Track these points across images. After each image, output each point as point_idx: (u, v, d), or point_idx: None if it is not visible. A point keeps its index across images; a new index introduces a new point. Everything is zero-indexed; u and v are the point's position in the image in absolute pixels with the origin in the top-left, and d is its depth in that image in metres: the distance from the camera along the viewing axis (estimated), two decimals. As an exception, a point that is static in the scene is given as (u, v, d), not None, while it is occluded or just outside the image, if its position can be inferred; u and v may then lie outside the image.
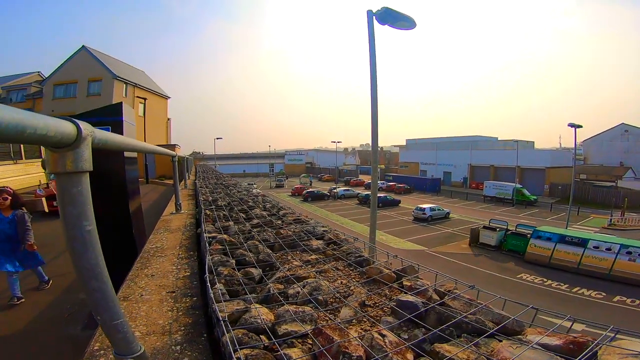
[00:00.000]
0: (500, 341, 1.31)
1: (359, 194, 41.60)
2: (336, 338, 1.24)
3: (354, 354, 1.17)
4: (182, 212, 5.80)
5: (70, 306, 4.83)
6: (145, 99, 34.17)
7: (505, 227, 21.14)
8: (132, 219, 5.12)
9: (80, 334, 4.12)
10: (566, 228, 21.44)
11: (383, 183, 50.65)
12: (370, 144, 7.52)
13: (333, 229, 3.10)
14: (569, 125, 23.70)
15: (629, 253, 15.34)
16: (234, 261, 2.24)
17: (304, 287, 1.77)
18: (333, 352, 1.19)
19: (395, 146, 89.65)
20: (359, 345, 1.23)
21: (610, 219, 28.85)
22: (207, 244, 2.57)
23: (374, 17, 6.82)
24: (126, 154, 5.17)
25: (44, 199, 11.03)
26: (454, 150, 56.29)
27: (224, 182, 10.13)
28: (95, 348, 1.58)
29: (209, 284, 1.76)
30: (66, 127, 0.88)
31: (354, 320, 1.52)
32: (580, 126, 23.66)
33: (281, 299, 1.68)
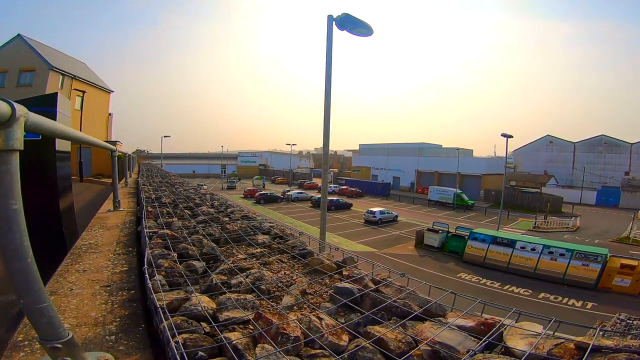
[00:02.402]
0: (424, 322, 1.46)
1: (312, 197, 41.92)
2: (275, 321, 1.30)
3: (291, 335, 1.23)
4: (121, 209, 5.44)
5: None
6: (84, 92, 31.66)
7: (447, 229, 22.65)
8: (63, 218, 4.71)
9: (3, 335, 3.70)
10: (498, 230, 23.53)
11: (336, 186, 51.61)
12: (323, 148, 7.67)
13: (280, 224, 3.14)
14: (501, 135, 26.11)
15: (551, 253, 17.16)
16: (175, 254, 2.19)
17: (247, 277, 1.80)
18: (272, 334, 1.24)
19: (348, 150, 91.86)
20: (296, 327, 1.30)
21: (535, 222, 32.22)
22: (147, 239, 2.48)
23: (334, 22, 6.94)
24: (58, 147, 4.77)
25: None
26: (403, 156, 59.13)
27: (169, 181, 9.66)
28: (18, 339, 1.49)
29: (147, 275, 1.72)
30: (1, 106, 0.90)
31: (294, 307, 1.58)
32: (511, 136, 26.14)
33: (224, 288, 1.69)
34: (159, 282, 1.67)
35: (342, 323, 1.44)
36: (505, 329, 1.36)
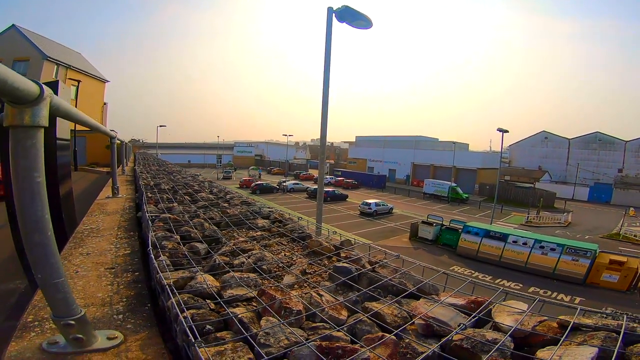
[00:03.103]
0: (418, 300, 1.54)
1: (308, 187, 41.99)
2: (278, 297, 1.37)
3: (294, 308, 1.31)
4: (120, 196, 5.47)
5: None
6: (79, 81, 31.56)
7: (441, 222, 22.85)
8: (62, 205, 4.73)
9: (2, 324, 3.75)
10: (491, 224, 23.82)
11: (332, 178, 51.68)
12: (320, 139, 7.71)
13: (279, 210, 3.21)
14: (497, 130, 26.23)
15: (542, 247, 17.39)
16: (178, 237, 2.25)
17: (249, 257, 1.86)
18: (275, 308, 1.31)
19: (345, 142, 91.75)
20: (298, 302, 1.37)
21: (528, 217, 32.62)
22: (149, 222, 2.53)
23: (333, 14, 6.94)
24: (59, 135, 4.76)
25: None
26: (400, 149, 59.24)
27: (166, 169, 9.67)
28: (28, 320, 1.53)
29: (152, 255, 1.77)
30: (32, 86, 0.96)
31: (295, 285, 1.66)
32: (506, 131, 26.27)
33: (227, 268, 1.75)
34: (164, 262, 1.73)
35: (342, 300, 1.51)
36: (493, 306, 1.45)
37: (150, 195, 4.02)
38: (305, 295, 1.46)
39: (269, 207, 3.24)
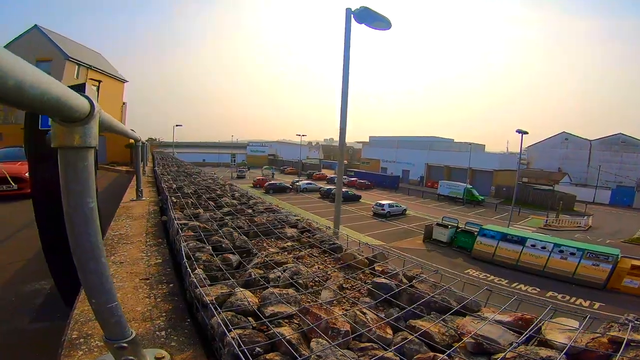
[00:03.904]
0: (464, 317, 1.50)
1: (321, 187, 42.00)
2: (323, 316, 1.35)
3: (342, 329, 1.29)
4: (144, 199, 5.57)
5: (14, 298, 4.47)
6: (99, 81, 32.33)
7: (456, 224, 22.51)
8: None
9: (27, 327, 3.85)
10: (508, 227, 23.33)
11: (345, 178, 51.57)
12: (338, 139, 7.68)
13: (306, 218, 3.20)
14: (516, 132, 25.64)
15: (561, 252, 17.00)
16: (210, 247, 2.26)
17: (284, 271, 1.85)
18: (322, 328, 1.29)
19: (358, 142, 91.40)
20: (345, 321, 1.35)
21: (546, 220, 31.81)
22: (179, 230, 2.55)
23: (352, 15, 6.88)
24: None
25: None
26: (413, 150, 58.63)
27: (186, 170, 9.80)
28: (73, 336, 1.52)
29: (189, 269, 1.78)
30: (83, 102, 0.88)
31: (334, 301, 1.64)
32: (526, 132, 25.64)
33: (264, 282, 1.75)
34: (200, 275, 1.73)
35: (384, 317, 1.49)
36: (542, 324, 1.41)
37: (174, 200, 4.07)
38: (349, 313, 1.44)
39: (295, 215, 3.24)
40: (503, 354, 1.18)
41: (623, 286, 15.11)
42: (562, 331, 1.37)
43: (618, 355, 1.12)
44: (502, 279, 16.90)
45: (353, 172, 59.89)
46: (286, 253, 2.29)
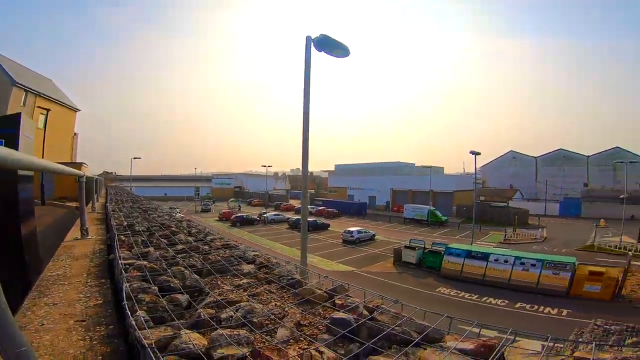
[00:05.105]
0: (425, 349, 1.42)
1: (289, 218, 41.51)
2: (275, 358, 1.22)
3: (292, 374, 1.15)
4: (89, 237, 5.12)
5: None
6: (48, 110, 30.10)
7: (423, 245, 22.96)
8: (24, 246, 4.34)
9: None
10: (471, 244, 24.14)
11: (313, 207, 51.48)
12: (301, 169, 7.63)
13: (264, 253, 3.04)
14: (470, 153, 27.21)
15: (522, 264, 17.80)
16: (156, 288, 2.05)
17: (237, 310, 1.70)
18: (271, 375, 1.15)
19: (324, 171, 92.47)
20: (296, 365, 1.22)
21: (505, 235, 33.38)
22: (122, 271, 2.31)
23: (312, 43, 6.98)
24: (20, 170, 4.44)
25: None
26: (378, 176, 60.21)
27: (141, 206, 9.25)
28: None
29: (128, 311, 1.59)
30: None
31: (291, 340, 1.50)
32: (478, 153, 27.27)
33: (213, 323, 1.59)
34: (141, 317, 1.55)
35: (343, 355, 1.38)
36: (504, 349, 1.36)
37: (123, 238, 3.76)
38: (305, 354, 1.31)
39: (253, 250, 3.07)
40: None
41: (585, 292, 15.92)
42: (525, 356, 1.32)
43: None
44: (472, 294, 17.18)
45: (321, 201, 60.00)
46: (242, 290, 2.13)
